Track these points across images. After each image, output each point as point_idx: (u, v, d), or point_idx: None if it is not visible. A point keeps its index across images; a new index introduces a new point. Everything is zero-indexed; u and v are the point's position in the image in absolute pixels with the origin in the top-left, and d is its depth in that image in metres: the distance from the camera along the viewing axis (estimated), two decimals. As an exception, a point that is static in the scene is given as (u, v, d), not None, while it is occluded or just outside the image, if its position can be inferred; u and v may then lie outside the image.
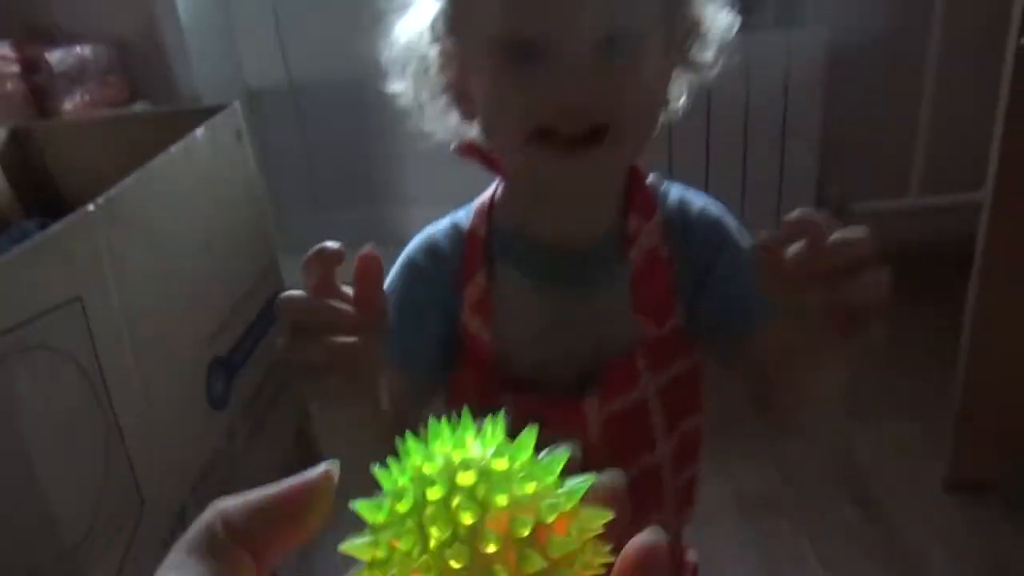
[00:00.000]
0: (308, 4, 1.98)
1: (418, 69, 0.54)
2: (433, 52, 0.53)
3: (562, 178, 0.50)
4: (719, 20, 0.55)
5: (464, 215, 0.59)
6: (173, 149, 0.95)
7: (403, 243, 0.68)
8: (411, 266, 0.57)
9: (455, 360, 0.57)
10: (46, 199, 1.29)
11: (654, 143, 1.81)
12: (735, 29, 0.55)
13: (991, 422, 1.22)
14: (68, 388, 0.74)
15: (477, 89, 0.51)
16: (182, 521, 0.93)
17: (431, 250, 0.57)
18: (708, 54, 0.55)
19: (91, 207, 0.78)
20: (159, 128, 1.22)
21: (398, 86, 0.55)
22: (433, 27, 0.52)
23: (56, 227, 0.73)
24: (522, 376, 0.54)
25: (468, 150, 0.56)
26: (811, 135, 1.80)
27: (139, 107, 1.80)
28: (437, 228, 0.59)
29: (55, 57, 1.56)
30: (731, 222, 0.58)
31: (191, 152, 1.00)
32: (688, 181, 1.92)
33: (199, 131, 1.02)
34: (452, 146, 0.57)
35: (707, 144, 1.81)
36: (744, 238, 0.57)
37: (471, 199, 0.60)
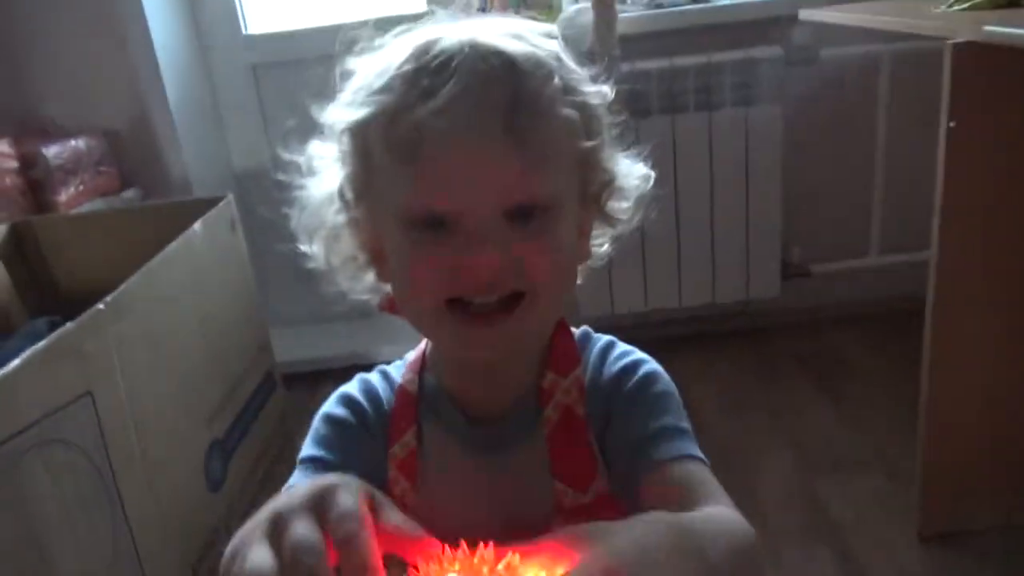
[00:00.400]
0: (292, 86, 2.08)
1: (328, 235, 0.54)
2: (341, 219, 0.53)
3: (476, 348, 0.49)
4: (634, 172, 0.55)
5: (397, 368, 0.58)
6: (174, 244, 1.02)
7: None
8: (340, 422, 0.55)
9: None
10: (43, 290, 1.34)
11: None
12: (651, 181, 0.57)
13: (955, 473, 1.28)
14: (79, 479, 0.78)
15: (390, 256, 0.51)
16: (183, 602, 0.96)
17: (364, 400, 0.56)
18: (624, 206, 0.56)
19: (101, 305, 0.84)
20: (154, 220, 1.29)
21: (308, 249, 0.55)
22: (341, 194, 0.52)
23: (70, 327, 0.78)
24: (445, 540, 0.51)
25: (392, 305, 0.55)
26: (773, 203, 1.91)
27: (130, 194, 1.87)
28: (370, 378, 0.58)
29: (51, 151, 1.64)
30: (647, 372, 0.55)
31: (190, 245, 1.07)
32: (660, 251, 1.99)
33: (197, 225, 1.09)
34: (376, 303, 0.56)
35: (676, 215, 1.90)
36: (663, 388, 0.54)
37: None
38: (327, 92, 0.53)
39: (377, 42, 0.51)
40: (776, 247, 1.95)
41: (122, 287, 0.88)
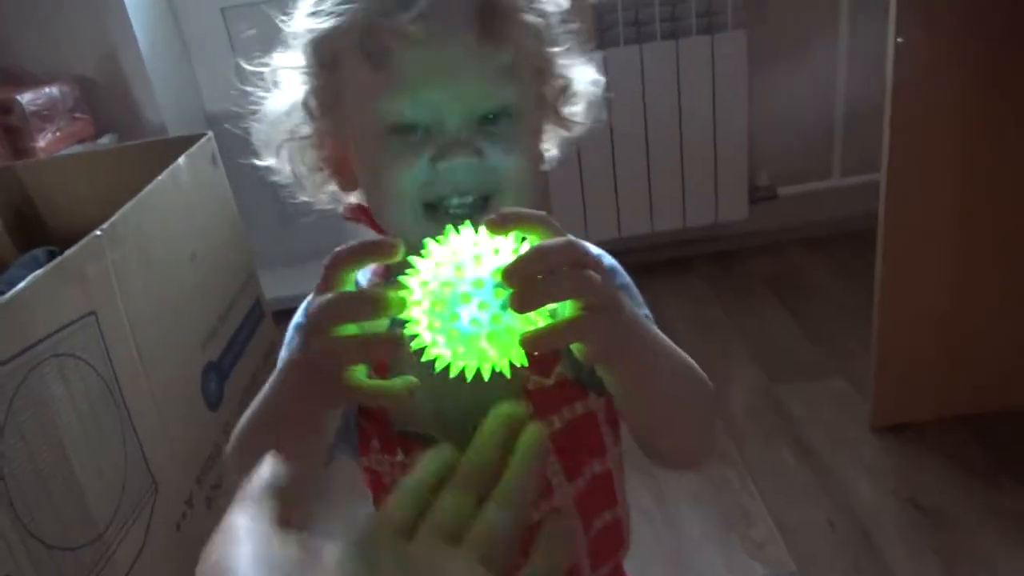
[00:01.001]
0: (262, 27, 2.09)
1: (291, 146, 0.55)
2: (305, 130, 0.53)
3: None
4: (586, 76, 0.57)
5: (364, 275, 0.58)
6: (161, 178, 1.06)
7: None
8: None
9: (361, 413, 0.56)
10: (32, 231, 1.38)
11: (598, 144, 1.95)
12: (602, 86, 0.58)
13: (903, 371, 1.38)
14: (90, 390, 0.84)
15: (361, 165, 0.53)
16: (191, 506, 1.04)
17: None
18: (578, 110, 0.57)
19: (98, 232, 0.89)
20: (136, 159, 1.33)
21: (270, 162, 0.56)
22: (306, 105, 0.53)
23: (71, 251, 0.84)
24: (418, 432, 0.54)
25: (356, 213, 0.57)
26: (739, 128, 1.96)
27: (106, 140, 1.89)
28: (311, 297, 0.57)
29: (26, 99, 1.65)
30: (607, 266, 0.57)
31: (176, 178, 1.11)
32: (631, 178, 2.05)
33: (181, 159, 1.13)
34: (341, 210, 0.58)
35: (646, 142, 1.96)
36: (623, 280, 0.59)
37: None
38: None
39: None
40: (743, 171, 2.02)
41: (115, 216, 0.93)
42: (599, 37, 1.87)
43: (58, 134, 1.71)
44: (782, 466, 1.38)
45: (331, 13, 0.50)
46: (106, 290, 0.89)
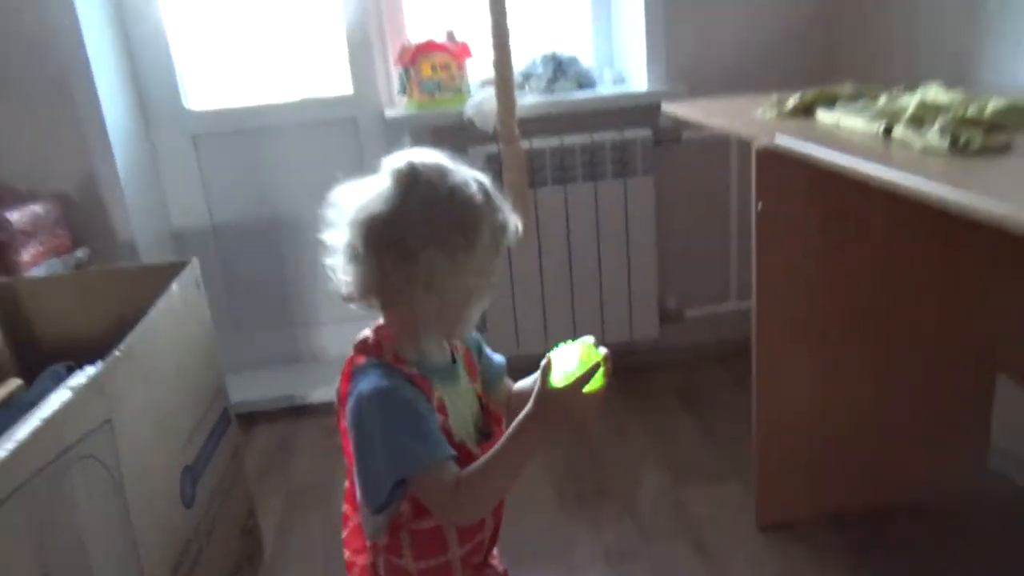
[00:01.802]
0: (228, 154, 2.32)
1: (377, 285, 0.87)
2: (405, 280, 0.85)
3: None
4: None
5: (380, 374, 0.87)
6: (160, 302, 1.26)
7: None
8: (405, 388, 0.87)
9: None
10: (26, 346, 1.52)
11: (528, 270, 2.23)
12: None
13: (782, 476, 1.63)
14: (104, 489, 1.01)
15: (451, 298, 0.88)
16: (169, 596, 1.18)
17: (402, 393, 0.87)
18: None
19: (117, 352, 1.07)
20: (126, 281, 1.52)
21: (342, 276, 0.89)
22: (419, 268, 0.85)
23: (99, 369, 1.02)
24: (461, 437, 0.92)
25: (375, 343, 0.92)
26: (649, 258, 2.28)
27: (81, 253, 2.05)
28: (388, 381, 0.87)
29: (14, 216, 1.82)
30: (479, 338, 1.04)
31: (171, 301, 1.31)
32: (556, 300, 2.33)
33: (174, 285, 1.33)
34: (370, 333, 0.92)
35: (569, 269, 2.24)
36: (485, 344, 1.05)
37: (371, 318, 0.93)
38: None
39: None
40: (653, 295, 2.31)
41: (128, 338, 1.12)
42: (531, 178, 2.17)
43: (40, 248, 1.87)
44: (682, 561, 1.60)
45: (483, 218, 0.86)
46: (118, 400, 1.07)
